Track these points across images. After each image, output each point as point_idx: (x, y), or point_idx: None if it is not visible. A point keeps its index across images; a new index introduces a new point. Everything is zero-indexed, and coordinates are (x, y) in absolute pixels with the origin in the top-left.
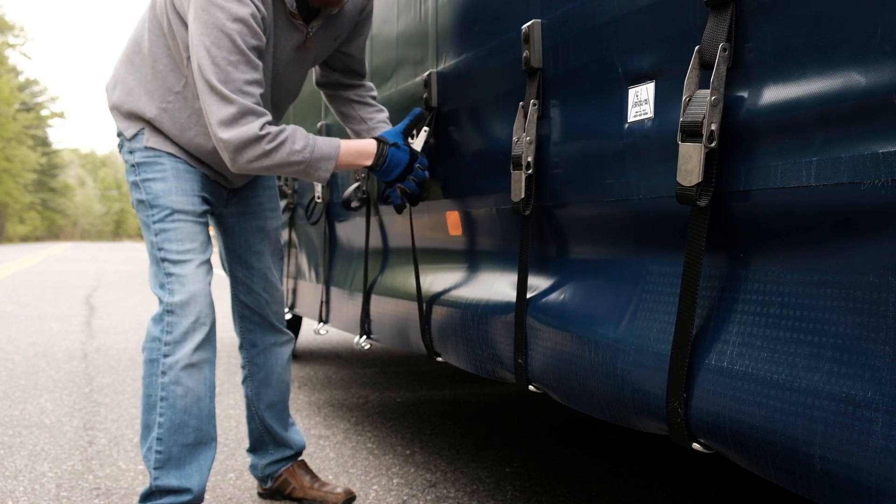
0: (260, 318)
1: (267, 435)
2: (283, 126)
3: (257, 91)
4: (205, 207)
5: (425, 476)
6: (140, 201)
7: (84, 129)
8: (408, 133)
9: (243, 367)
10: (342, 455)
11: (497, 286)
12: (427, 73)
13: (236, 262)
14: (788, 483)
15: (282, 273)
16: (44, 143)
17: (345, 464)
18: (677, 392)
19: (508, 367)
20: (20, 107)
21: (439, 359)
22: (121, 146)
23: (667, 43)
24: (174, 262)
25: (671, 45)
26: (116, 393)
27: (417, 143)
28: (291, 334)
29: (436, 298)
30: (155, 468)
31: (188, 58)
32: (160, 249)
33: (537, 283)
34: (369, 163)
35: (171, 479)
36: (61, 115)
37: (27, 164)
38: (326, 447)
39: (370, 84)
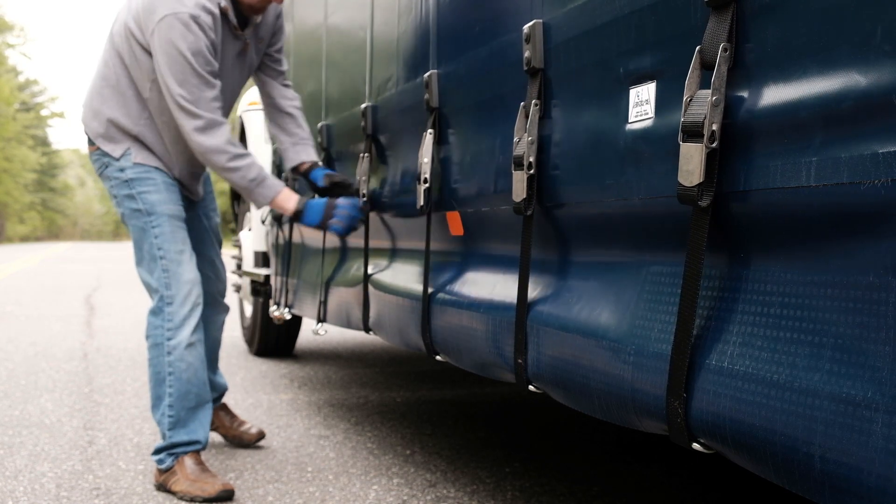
0: (207, 294)
1: None
2: (246, 152)
3: (217, 104)
4: (184, 213)
5: (425, 476)
6: (136, 210)
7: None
8: (329, 192)
9: None
10: (342, 455)
11: (498, 286)
12: (427, 73)
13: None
14: (788, 483)
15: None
16: (44, 143)
17: (345, 464)
18: (677, 392)
19: (508, 367)
20: (20, 107)
21: (439, 357)
22: (106, 166)
23: (668, 43)
24: (171, 260)
25: (672, 45)
26: (116, 393)
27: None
28: (228, 306)
29: (437, 298)
30: (168, 430)
31: (153, 80)
32: (159, 249)
33: (538, 284)
34: (291, 211)
35: (181, 436)
36: (61, 115)
37: (27, 164)
38: (326, 447)
39: (295, 93)
